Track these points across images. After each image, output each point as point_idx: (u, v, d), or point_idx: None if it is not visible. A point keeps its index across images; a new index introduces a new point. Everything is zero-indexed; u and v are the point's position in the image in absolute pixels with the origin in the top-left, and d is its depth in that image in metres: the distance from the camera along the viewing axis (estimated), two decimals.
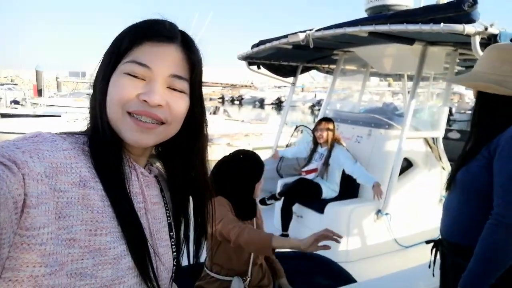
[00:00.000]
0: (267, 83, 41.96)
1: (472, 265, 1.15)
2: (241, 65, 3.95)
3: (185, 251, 0.77)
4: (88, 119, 0.64)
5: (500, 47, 1.36)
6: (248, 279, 1.64)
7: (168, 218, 0.72)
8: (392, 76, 5.38)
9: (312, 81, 37.89)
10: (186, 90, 0.63)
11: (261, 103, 34.18)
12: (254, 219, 1.75)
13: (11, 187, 0.43)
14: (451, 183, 1.34)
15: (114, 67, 0.60)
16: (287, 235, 3.05)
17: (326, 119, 3.21)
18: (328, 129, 3.12)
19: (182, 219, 0.75)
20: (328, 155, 3.10)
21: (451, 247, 1.34)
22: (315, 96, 33.10)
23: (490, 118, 1.26)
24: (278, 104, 33.51)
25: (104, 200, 0.56)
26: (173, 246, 0.71)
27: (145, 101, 0.58)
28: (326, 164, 3.09)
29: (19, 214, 0.45)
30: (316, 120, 3.39)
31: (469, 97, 22.96)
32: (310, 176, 3.19)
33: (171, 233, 0.72)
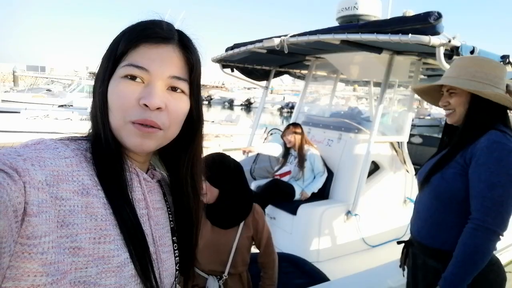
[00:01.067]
0: (236, 84, 41.96)
1: (452, 267, 1.18)
2: (211, 65, 3.95)
3: None
4: (90, 124, 0.63)
5: (476, 57, 1.47)
6: (225, 278, 1.65)
7: (171, 222, 0.71)
8: (357, 82, 5.59)
9: (281, 84, 38.37)
10: (185, 90, 0.63)
11: (230, 104, 34.14)
12: (238, 233, 1.67)
13: (11, 195, 0.43)
14: (424, 186, 1.37)
15: (112, 72, 0.59)
16: None
17: (293, 124, 3.31)
18: (295, 133, 3.21)
19: (185, 222, 0.73)
20: (301, 158, 3.18)
21: (423, 248, 1.38)
22: (283, 99, 33.56)
23: (474, 125, 1.29)
24: (248, 106, 33.61)
25: (107, 208, 0.55)
26: (176, 251, 0.71)
27: (145, 105, 0.57)
28: (301, 166, 3.17)
29: (20, 223, 0.44)
30: (285, 122, 3.47)
31: (428, 103, 24.17)
32: (284, 179, 3.26)
33: (174, 238, 0.71)
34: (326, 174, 3.20)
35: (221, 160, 1.68)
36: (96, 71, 0.62)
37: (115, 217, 0.56)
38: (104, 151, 0.59)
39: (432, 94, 1.52)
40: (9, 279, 0.44)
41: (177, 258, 0.71)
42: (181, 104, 0.62)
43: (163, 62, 0.59)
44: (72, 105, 12.62)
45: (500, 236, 1.17)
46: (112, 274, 0.54)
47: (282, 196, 3.12)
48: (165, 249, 0.67)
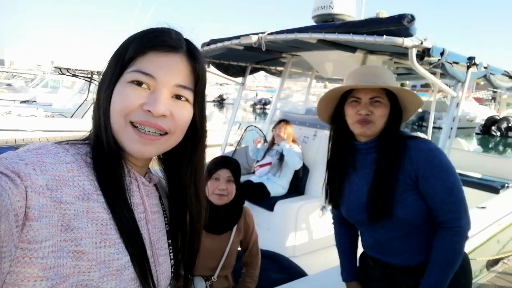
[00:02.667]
0: (208, 80, 41.43)
1: (436, 274, 1.16)
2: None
3: None
4: (92, 127, 0.63)
5: (377, 66, 1.40)
6: (213, 281, 1.63)
7: (166, 225, 0.72)
8: (328, 79, 5.70)
9: (254, 80, 38.42)
10: (190, 99, 0.64)
11: None
12: (231, 237, 1.65)
13: (13, 199, 0.43)
14: (379, 221, 1.21)
15: (118, 76, 0.60)
16: None
17: (285, 121, 3.35)
18: (285, 129, 3.27)
19: (181, 226, 0.74)
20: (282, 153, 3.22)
21: (390, 266, 1.30)
22: (256, 95, 33.64)
23: (393, 137, 1.23)
24: (220, 102, 33.40)
25: (107, 213, 0.56)
26: (171, 254, 0.72)
27: (149, 111, 0.58)
28: (281, 159, 3.22)
29: (20, 227, 0.44)
30: (258, 118, 3.49)
31: None
32: (263, 170, 3.29)
33: (169, 241, 0.72)
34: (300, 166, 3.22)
35: (234, 160, 1.69)
36: (102, 74, 0.62)
37: (115, 222, 0.56)
38: (104, 155, 0.59)
39: (328, 111, 1.34)
40: (9, 284, 0.44)
41: (172, 261, 0.72)
42: (185, 113, 0.63)
43: (170, 70, 0.60)
44: (35, 101, 11.99)
45: None
46: (112, 278, 0.54)
47: (256, 194, 3.15)
48: (161, 252, 0.68)
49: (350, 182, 1.31)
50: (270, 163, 3.29)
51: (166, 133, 0.61)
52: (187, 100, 0.63)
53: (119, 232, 0.57)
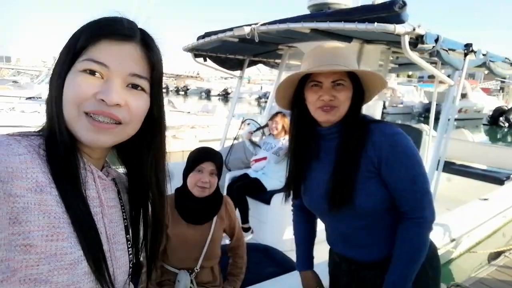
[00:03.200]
0: (213, 74, 41.52)
1: (400, 269, 1.10)
2: (184, 54, 3.87)
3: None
4: (44, 118, 0.62)
5: (334, 43, 1.23)
6: (196, 272, 1.63)
7: (125, 220, 0.71)
8: None
9: (258, 73, 38.29)
10: (146, 88, 0.63)
11: (207, 94, 33.81)
12: (212, 227, 1.64)
13: None
14: (339, 210, 1.14)
15: (70, 66, 0.58)
16: (248, 228, 3.11)
17: (282, 114, 3.31)
18: (284, 122, 3.23)
19: (141, 220, 0.74)
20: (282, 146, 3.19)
21: (354, 262, 1.25)
22: (261, 88, 33.54)
23: (356, 121, 1.15)
24: (225, 96, 33.38)
25: (61, 206, 0.55)
26: (129, 249, 0.71)
27: (102, 100, 0.57)
28: (277, 153, 3.18)
29: None
30: (264, 112, 3.46)
31: (400, 91, 24.90)
32: (259, 165, 3.27)
33: (128, 236, 0.71)
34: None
35: (218, 153, 1.67)
36: (54, 64, 0.61)
37: (68, 215, 0.55)
38: (58, 147, 0.57)
39: (286, 95, 1.22)
40: None
41: (131, 255, 0.71)
42: (141, 102, 0.62)
43: (123, 59, 0.59)
44: (40, 97, 12.07)
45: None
46: (64, 272, 0.53)
47: (253, 189, 3.14)
48: (119, 246, 0.67)
49: (312, 170, 1.23)
50: (265, 158, 3.26)
51: (120, 123, 0.60)
52: (143, 89, 0.62)
53: (72, 225, 0.55)
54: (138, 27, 0.63)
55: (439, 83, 4.71)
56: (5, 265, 0.46)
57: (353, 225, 1.18)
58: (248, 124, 4.37)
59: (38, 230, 0.51)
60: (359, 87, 1.15)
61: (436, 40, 2.14)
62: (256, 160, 3.32)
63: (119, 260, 0.66)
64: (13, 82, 16.83)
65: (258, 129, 3.72)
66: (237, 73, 4.31)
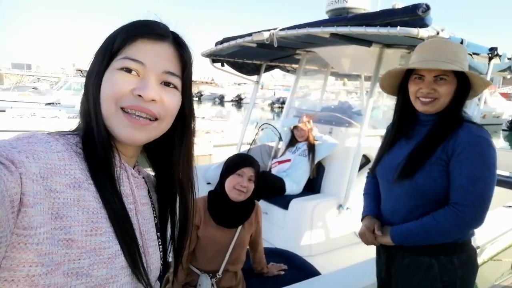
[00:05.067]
0: (226, 80, 41.80)
1: (412, 225, 1.22)
2: (200, 61, 3.91)
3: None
4: (79, 117, 0.64)
5: (446, 40, 1.43)
6: (218, 277, 1.64)
7: (155, 218, 0.73)
8: (347, 76, 5.60)
9: (272, 79, 38.35)
10: (178, 86, 0.65)
11: (221, 100, 34.00)
12: (238, 230, 1.67)
13: (8, 185, 0.44)
14: (400, 182, 1.26)
15: (107, 65, 0.61)
16: None
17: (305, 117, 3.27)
18: (306, 128, 3.21)
19: (168, 220, 0.76)
20: (311, 151, 3.16)
21: (409, 248, 1.31)
22: (274, 94, 33.54)
23: (453, 116, 1.24)
24: (238, 101, 33.50)
25: (98, 201, 0.56)
26: (160, 246, 0.73)
27: (139, 96, 0.59)
28: (313, 158, 3.16)
29: (16, 213, 0.45)
30: (276, 117, 3.44)
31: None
32: (282, 167, 3.23)
33: (158, 234, 0.73)
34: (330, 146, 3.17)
35: (254, 158, 1.72)
36: (89, 66, 0.63)
37: (105, 210, 0.57)
38: (95, 144, 0.59)
39: (392, 82, 1.38)
40: (5, 269, 0.45)
41: (161, 253, 0.73)
42: (174, 99, 0.64)
43: (158, 57, 0.61)
44: (59, 103, 12.39)
45: (472, 230, 1.22)
46: (103, 266, 0.55)
47: (272, 189, 3.10)
48: (151, 243, 0.69)
49: (397, 146, 1.36)
50: (289, 160, 3.23)
51: (156, 119, 0.62)
52: (175, 87, 0.64)
53: (109, 220, 0.57)
54: (170, 30, 0.66)
55: None
56: (48, 258, 0.48)
57: (404, 201, 1.28)
58: (263, 129, 4.37)
59: (78, 225, 0.52)
60: (464, 82, 1.23)
61: (461, 44, 2.10)
62: (280, 162, 3.28)
63: (152, 256, 0.67)
64: (33, 88, 17.30)
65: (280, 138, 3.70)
66: (254, 78, 4.32)
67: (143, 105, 0.60)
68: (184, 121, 0.70)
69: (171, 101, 0.63)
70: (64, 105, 11.59)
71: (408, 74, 1.30)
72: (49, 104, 12.34)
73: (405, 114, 1.35)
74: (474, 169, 1.13)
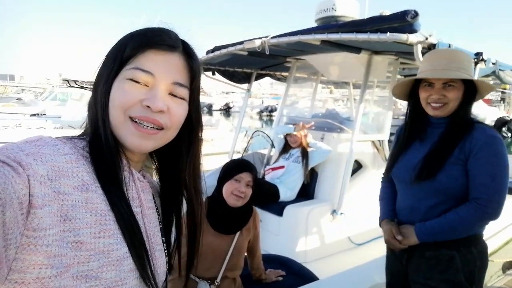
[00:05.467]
0: (214, 89, 41.80)
1: (437, 224, 1.30)
2: None
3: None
4: (86, 122, 0.65)
5: (453, 49, 1.54)
6: (217, 284, 1.62)
7: (160, 223, 0.73)
8: (334, 84, 5.68)
9: (259, 88, 38.56)
10: (186, 97, 0.66)
11: (209, 109, 33.93)
12: (236, 237, 1.66)
13: (16, 187, 0.44)
14: (420, 182, 1.34)
15: (117, 72, 0.61)
16: None
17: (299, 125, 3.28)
18: (300, 135, 3.22)
19: (173, 224, 0.76)
20: (305, 157, 3.17)
21: (430, 243, 1.37)
22: (262, 102, 33.70)
23: (464, 118, 1.35)
24: (227, 110, 33.51)
25: (106, 204, 0.57)
26: (165, 251, 0.73)
27: (148, 106, 0.60)
28: (305, 164, 3.17)
29: (25, 215, 0.45)
30: (265, 125, 3.45)
31: (401, 103, 24.99)
32: (275, 173, 3.23)
33: (163, 238, 0.73)
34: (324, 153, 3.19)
35: (252, 164, 1.72)
36: (98, 71, 0.64)
37: (113, 213, 0.57)
38: (102, 149, 0.60)
39: (404, 90, 1.50)
40: (15, 271, 0.45)
41: (167, 258, 0.73)
42: (181, 109, 0.65)
43: (168, 68, 0.62)
44: (45, 114, 12.17)
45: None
46: (112, 268, 0.55)
47: (266, 196, 3.09)
48: (157, 247, 0.69)
49: (411, 148, 1.44)
50: (283, 167, 3.23)
51: (162, 128, 0.63)
52: (183, 97, 0.65)
53: (117, 223, 0.57)
54: (180, 38, 0.67)
55: None
56: (57, 261, 0.48)
57: (424, 199, 1.36)
58: (257, 136, 4.37)
59: (87, 228, 0.53)
60: (471, 86, 1.34)
61: None
62: (273, 169, 3.28)
63: (158, 260, 0.68)
64: (17, 99, 16.97)
65: (272, 145, 3.71)
66: (245, 86, 4.35)
67: (151, 116, 0.61)
68: (191, 130, 0.71)
69: (178, 111, 0.64)
70: (49, 116, 11.39)
71: (418, 81, 1.40)
72: (34, 115, 12.11)
73: (416, 118, 1.45)
74: (492, 166, 1.23)
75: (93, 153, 0.59)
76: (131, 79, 0.60)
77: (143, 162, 0.72)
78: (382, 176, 1.67)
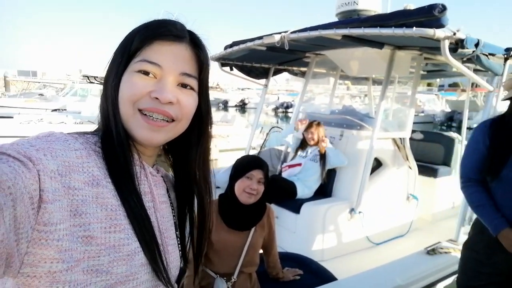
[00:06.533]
0: (230, 85, 41.89)
1: None
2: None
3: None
4: (99, 118, 0.64)
5: None
6: (234, 281, 1.62)
7: (174, 217, 0.73)
8: (351, 80, 5.57)
9: (275, 84, 38.36)
10: (195, 87, 0.65)
11: (225, 105, 34.03)
12: (251, 233, 1.67)
13: (26, 182, 0.44)
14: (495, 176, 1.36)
15: (125, 66, 0.61)
16: None
17: (317, 122, 3.24)
18: (319, 131, 3.17)
19: (187, 218, 0.76)
20: (323, 156, 3.13)
21: None
22: (278, 99, 33.54)
23: None
24: (242, 106, 33.54)
25: (117, 199, 0.56)
26: (179, 245, 0.73)
27: (156, 98, 0.59)
28: (323, 163, 3.12)
29: (36, 210, 0.45)
30: (280, 121, 3.41)
31: (421, 100, 24.42)
32: (292, 171, 3.20)
33: (177, 232, 0.73)
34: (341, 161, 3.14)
35: (266, 162, 1.70)
36: (107, 67, 0.64)
37: (124, 208, 0.57)
38: (113, 143, 0.59)
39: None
40: (27, 265, 0.46)
41: (180, 252, 0.73)
42: (191, 100, 0.64)
43: (175, 59, 0.61)
44: (65, 109, 12.46)
45: None
46: (123, 263, 0.55)
47: (283, 193, 3.06)
48: (170, 241, 0.69)
49: None
50: (300, 164, 3.19)
51: (173, 120, 0.62)
52: (192, 88, 0.64)
53: (128, 218, 0.57)
54: (187, 29, 0.66)
55: (461, 91, 4.61)
56: (68, 255, 0.48)
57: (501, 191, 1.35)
58: (274, 132, 4.35)
59: (98, 222, 0.53)
60: None
61: (477, 45, 2.07)
62: (290, 166, 3.24)
63: (171, 254, 0.67)
64: (39, 95, 17.41)
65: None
66: (262, 81, 4.31)
67: (160, 107, 0.60)
68: (201, 122, 0.71)
69: (188, 102, 0.64)
70: (70, 111, 11.65)
71: None
72: (55, 110, 12.41)
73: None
74: None
75: (104, 148, 0.59)
76: (139, 71, 0.60)
77: (156, 156, 0.72)
78: (465, 177, 1.59)
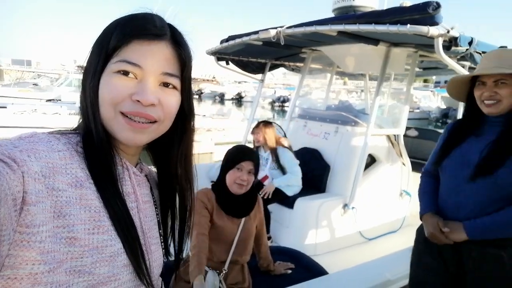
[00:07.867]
0: (227, 78, 41.70)
1: (490, 221, 1.30)
2: (202, 58, 3.89)
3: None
4: (79, 116, 0.63)
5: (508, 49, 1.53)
6: (224, 272, 1.65)
7: (157, 216, 0.73)
8: (348, 75, 5.58)
9: (272, 78, 38.28)
10: (177, 86, 0.64)
11: (221, 98, 33.94)
12: (243, 220, 1.73)
13: (11, 183, 0.44)
14: (477, 176, 1.34)
15: (103, 66, 0.59)
16: (268, 238, 3.03)
17: (264, 122, 3.12)
18: (265, 133, 3.04)
19: (169, 215, 0.76)
20: (276, 159, 3.05)
21: (478, 240, 1.37)
22: (274, 93, 33.49)
23: None
24: (239, 99, 33.46)
25: (100, 200, 0.56)
26: (162, 243, 0.73)
27: (138, 101, 0.58)
28: (280, 167, 3.06)
29: (18, 212, 0.45)
30: (277, 115, 3.39)
31: (417, 96, 24.52)
32: (267, 183, 3.08)
33: (160, 231, 0.73)
34: (300, 174, 3.05)
35: (256, 152, 1.74)
36: (85, 64, 0.62)
37: (107, 210, 0.57)
38: (95, 145, 0.59)
39: (458, 88, 1.52)
40: (8, 267, 0.45)
41: (163, 250, 0.73)
42: (173, 100, 0.63)
43: (156, 58, 0.59)
44: (60, 100, 12.37)
45: None
46: (106, 264, 0.55)
47: (276, 200, 3.04)
48: (153, 241, 0.69)
49: (465, 143, 1.45)
50: (267, 177, 3.08)
51: (155, 121, 0.61)
52: (174, 87, 0.63)
53: (111, 219, 0.57)
54: (168, 23, 0.63)
55: None
56: (51, 256, 0.48)
57: (485, 196, 1.35)
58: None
59: (81, 224, 0.53)
60: None
61: (470, 43, 2.09)
62: (263, 180, 3.11)
63: (154, 254, 0.68)
64: (33, 85, 17.24)
65: (284, 135, 3.60)
66: (258, 76, 4.31)
67: (143, 110, 0.59)
68: (184, 120, 0.69)
69: (170, 102, 0.62)
70: (65, 102, 11.56)
71: (474, 83, 1.44)
72: (49, 100, 12.31)
73: (473, 116, 1.48)
74: None
75: (86, 149, 0.58)
76: (119, 72, 0.58)
77: (139, 154, 0.72)
78: (424, 169, 1.66)
